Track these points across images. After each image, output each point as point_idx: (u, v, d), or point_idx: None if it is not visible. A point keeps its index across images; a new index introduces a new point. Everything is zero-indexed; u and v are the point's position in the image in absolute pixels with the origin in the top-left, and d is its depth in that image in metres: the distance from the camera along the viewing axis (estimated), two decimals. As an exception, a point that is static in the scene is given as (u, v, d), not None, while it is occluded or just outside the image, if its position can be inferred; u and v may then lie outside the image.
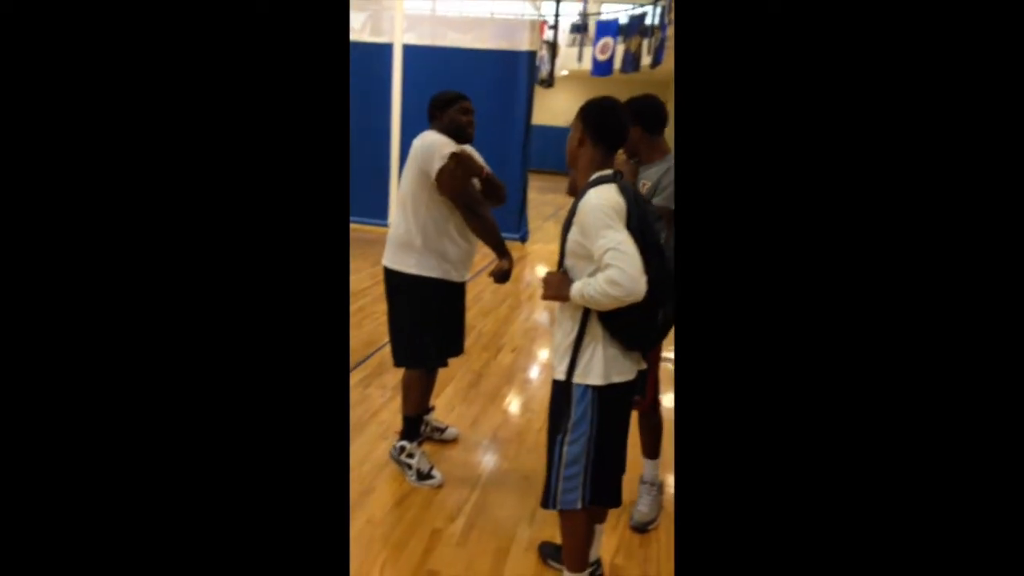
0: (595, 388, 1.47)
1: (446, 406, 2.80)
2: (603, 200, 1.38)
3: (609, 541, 1.95)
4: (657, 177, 1.87)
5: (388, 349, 3.42)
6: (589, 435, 1.49)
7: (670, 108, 1.76)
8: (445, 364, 2.26)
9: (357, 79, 6.50)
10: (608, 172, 1.47)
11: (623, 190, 1.43)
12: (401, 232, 2.11)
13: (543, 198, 10.40)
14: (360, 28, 6.52)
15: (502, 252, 2.18)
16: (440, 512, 2.07)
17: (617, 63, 9.54)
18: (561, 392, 1.52)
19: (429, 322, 2.15)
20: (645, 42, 9.20)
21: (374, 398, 2.83)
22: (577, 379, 1.49)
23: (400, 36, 6.41)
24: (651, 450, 2.08)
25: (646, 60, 9.28)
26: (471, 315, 3.73)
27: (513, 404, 2.95)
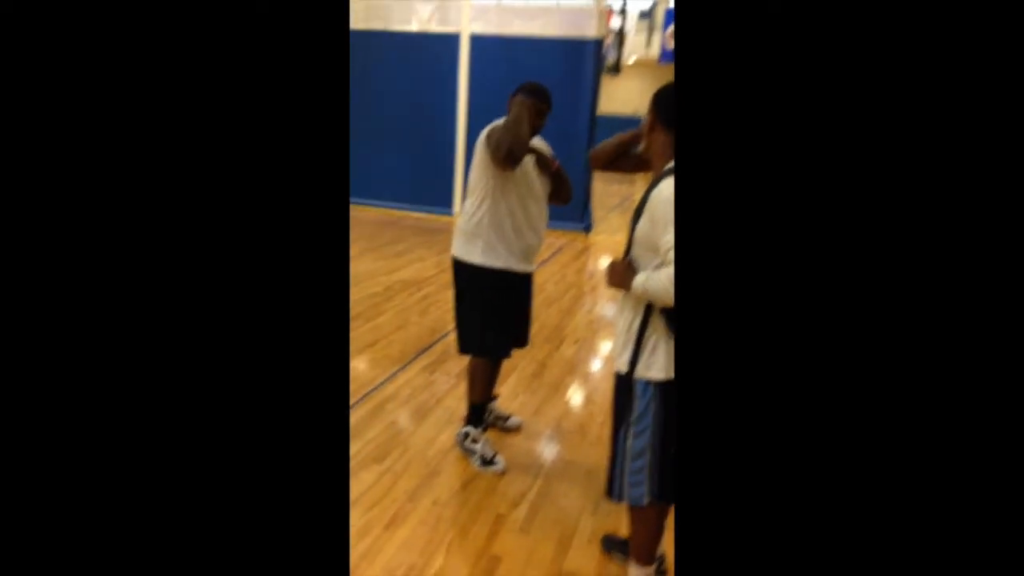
0: (658, 383, 1.44)
1: (510, 395, 2.84)
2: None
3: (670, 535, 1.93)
4: None
5: (453, 336, 3.50)
6: (653, 430, 1.46)
7: None
8: (509, 355, 2.29)
9: (424, 69, 6.62)
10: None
11: None
12: (468, 222, 2.13)
13: (608, 188, 10.25)
14: (428, 18, 6.61)
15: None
16: (503, 498, 2.10)
17: (687, 49, 9.20)
18: (624, 385, 1.51)
19: (495, 313, 2.17)
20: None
21: (439, 384, 2.90)
22: (639, 373, 1.47)
23: (467, 26, 6.46)
24: None
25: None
26: (534, 305, 3.76)
27: (575, 396, 2.95)
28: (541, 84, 2.08)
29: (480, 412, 2.29)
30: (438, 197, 6.76)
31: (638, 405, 1.47)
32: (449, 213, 6.78)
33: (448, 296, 4.22)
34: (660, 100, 1.45)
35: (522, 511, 2.04)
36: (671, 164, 1.42)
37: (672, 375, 1.43)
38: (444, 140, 6.63)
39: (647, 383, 1.45)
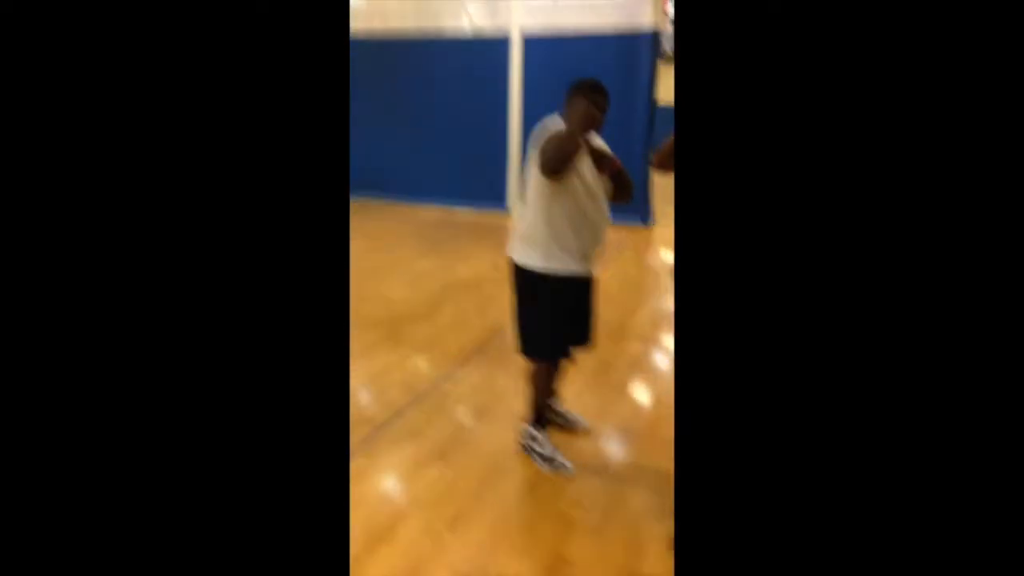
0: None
1: (574, 396, 2.76)
2: None
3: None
4: None
5: (512, 335, 3.46)
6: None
7: None
8: (570, 357, 2.21)
9: (476, 70, 6.63)
10: None
11: None
12: (525, 225, 2.07)
13: (669, 181, 9.96)
14: (478, 16, 6.62)
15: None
16: (571, 500, 2.02)
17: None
18: None
19: (555, 317, 2.11)
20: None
21: (500, 383, 2.85)
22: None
23: (517, 23, 6.42)
24: None
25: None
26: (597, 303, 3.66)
27: (642, 396, 2.83)
28: (598, 80, 1.98)
29: (541, 412, 2.23)
30: (492, 194, 6.76)
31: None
32: (503, 210, 6.76)
33: (506, 295, 4.20)
34: None
35: (591, 513, 1.96)
36: None
37: None
38: (497, 138, 6.62)
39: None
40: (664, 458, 2.25)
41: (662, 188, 6.36)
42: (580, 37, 6.16)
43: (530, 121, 6.58)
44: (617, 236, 5.81)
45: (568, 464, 2.17)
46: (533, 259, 2.05)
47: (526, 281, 2.10)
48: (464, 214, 6.76)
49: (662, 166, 1.87)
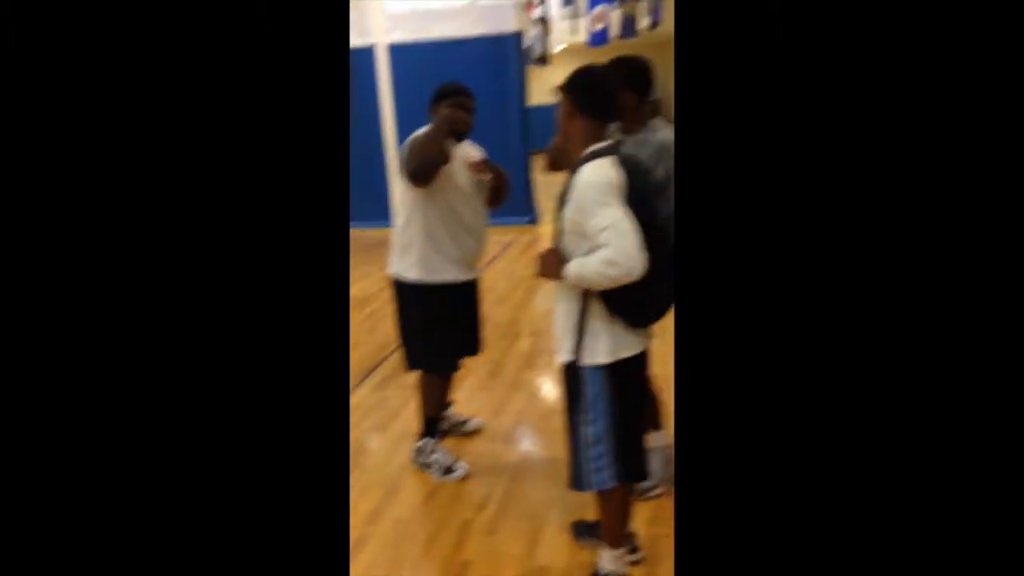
0: (605, 367, 1.43)
1: (467, 398, 2.78)
2: (598, 176, 1.33)
3: (644, 511, 1.91)
4: (655, 148, 1.73)
5: (398, 356, 3.42)
6: (608, 412, 1.45)
7: (668, 70, 1.63)
8: (457, 368, 2.19)
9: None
10: (603, 144, 1.40)
11: (621, 163, 1.37)
12: (402, 236, 2.05)
13: (551, 178, 10.20)
14: (344, 32, 6.49)
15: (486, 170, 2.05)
16: (469, 504, 2.05)
17: (614, 30, 9.32)
18: (571, 374, 1.48)
19: (438, 327, 2.09)
20: (642, 3, 8.95)
21: (392, 400, 2.83)
22: (586, 360, 1.44)
23: (383, 35, 6.36)
24: (653, 422, 1.99)
25: (644, 23, 9.03)
26: (486, 304, 3.71)
27: (536, 389, 2.91)
28: (458, 82, 2.01)
29: (434, 424, 2.22)
30: (374, 210, 6.66)
31: (588, 392, 1.45)
32: (387, 226, 6.67)
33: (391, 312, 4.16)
34: (573, 85, 1.42)
35: (489, 513, 1.99)
36: (592, 148, 1.40)
37: (619, 356, 1.43)
38: (374, 153, 6.52)
39: (595, 368, 1.43)
40: (556, 446, 2.32)
41: (545, 186, 6.55)
42: (446, 42, 6.21)
43: (405, 132, 6.53)
44: (504, 236, 5.93)
45: (462, 467, 2.17)
46: (411, 271, 2.03)
47: (407, 294, 2.08)
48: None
49: (555, 167, 1.88)
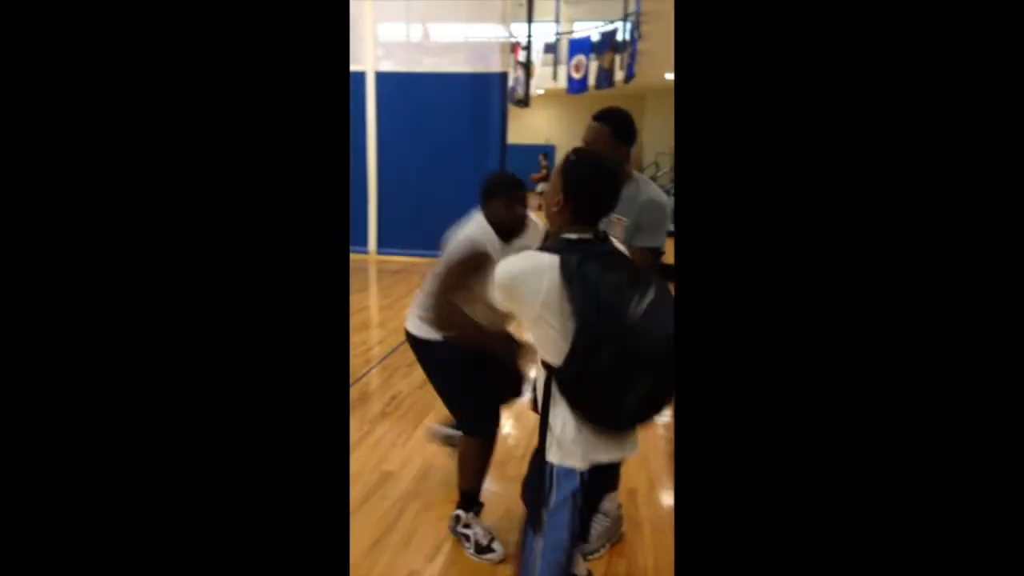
0: (577, 472, 1.21)
1: (426, 436, 2.72)
2: (517, 268, 1.18)
3: (596, 567, 1.87)
4: (635, 214, 1.68)
5: (366, 380, 3.33)
6: (571, 525, 1.24)
7: (641, 123, 1.61)
8: (496, 427, 1.94)
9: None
10: (567, 237, 1.21)
11: (567, 269, 1.14)
12: (428, 298, 1.76)
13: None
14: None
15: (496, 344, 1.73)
16: (418, 553, 1.97)
17: (591, 80, 9.64)
18: (538, 466, 1.25)
19: (477, 381, 1.89)
20: (618, 57, 9.31)
21: (352, 433, 2.74)
22: (552, 456, 1.23)
23: (372, 63, 6.42)
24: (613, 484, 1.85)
25: (619, 75, 9.38)
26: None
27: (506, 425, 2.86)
28: (509, 174, 1.84)
29: (474, 497, 2.01)
30: (353, 235, 6.59)
31: (554, 495, 1.23)
32: (364, 251, 6.61)
33: (363, 339, 4.08)
34: (569, 172, 1.23)
35: (437, 565, 1.92)
36: (565, 234, 1.22)
37: (595, 461, 1.21)
38: (355, 178, 6.50)
39: (565, 470, 1.22)
40: (510, 495, 2.27)
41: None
42: (434, 75, 6.30)
43: (386, 160, 6.56)
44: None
45: (499, 550, 1.96)
46: (430, 329, 1.82)
47: (431, 353, 1.90)
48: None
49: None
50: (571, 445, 1.21)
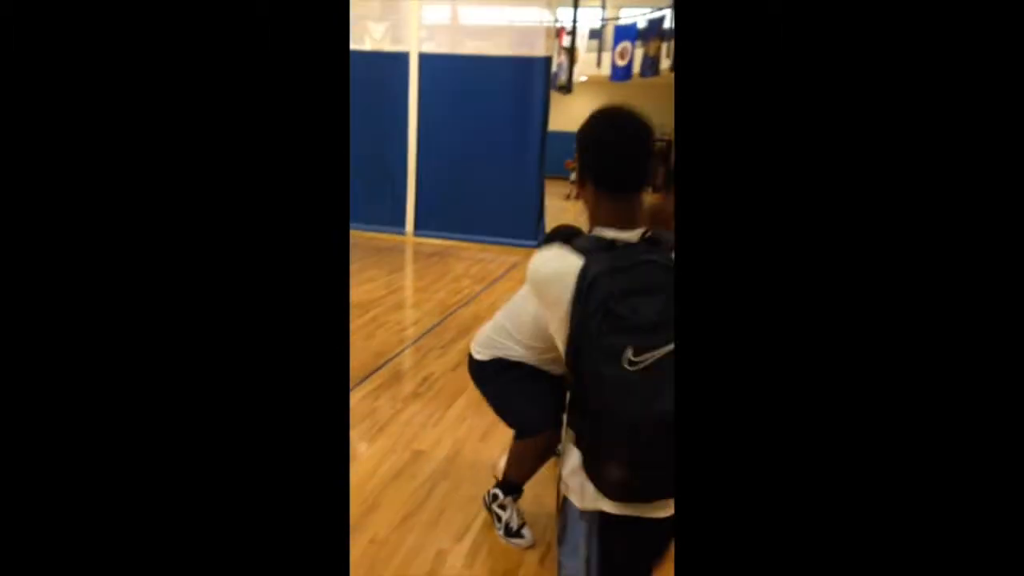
0: (590, 513, 1.03)
1: (456, 419, 2.73)
2: (550, 268, 0.99)
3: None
4: None
5: (399, 360, 3.37)
6: (589, 563, 1.07)
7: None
8: (551, 424, 1.89)
9: (377, 87, 6.54)
10: (601, 235, 0.99)
11: (580, 284, 0.94)
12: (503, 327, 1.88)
13: (562, 204, 10.31)
14: (381, 38, 6.55)
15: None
16: (447, 532, 1.99)
17: (636, 67, 9.44)
18: (561, 500, 1.09)
19: (523, 383, 1.89)
20: (664, 45, 9.08)
21: (383, 411, 2.77)
22: (564, 490, 1.06)
23: (416, 45, 6.42)
24: None
25: (665, 63, 9.16)
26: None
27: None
28: (571, 226, 1.65)
29: (517, 486, 2.04)
30: (389, 216, 6.65)
31: (570, 532, 1.08)
32: (402, 232, 6.66)
33: (396, 318, 4.13)
34: (581, 142, 1.02)
35: (465, 545, 1.93)
36: (599, 230, 1.01)
37: (610, 508, 1.00)
38: (396, 159, 6.54)
39: (579, 510, 1.04)
40: (543, 484, 2.27)
41: (555, 211, 6.56)
42: (478, 58, 6.27)
43: (427, 142, 6.57)
44: (511, 258, 5.91)
45: (528, 536, 1.98)
46: (483, 352, 1.92)
47: (484, 372, 1.94)
48: (362, 236, 6.57)
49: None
50: (578, 480, 1.02)
